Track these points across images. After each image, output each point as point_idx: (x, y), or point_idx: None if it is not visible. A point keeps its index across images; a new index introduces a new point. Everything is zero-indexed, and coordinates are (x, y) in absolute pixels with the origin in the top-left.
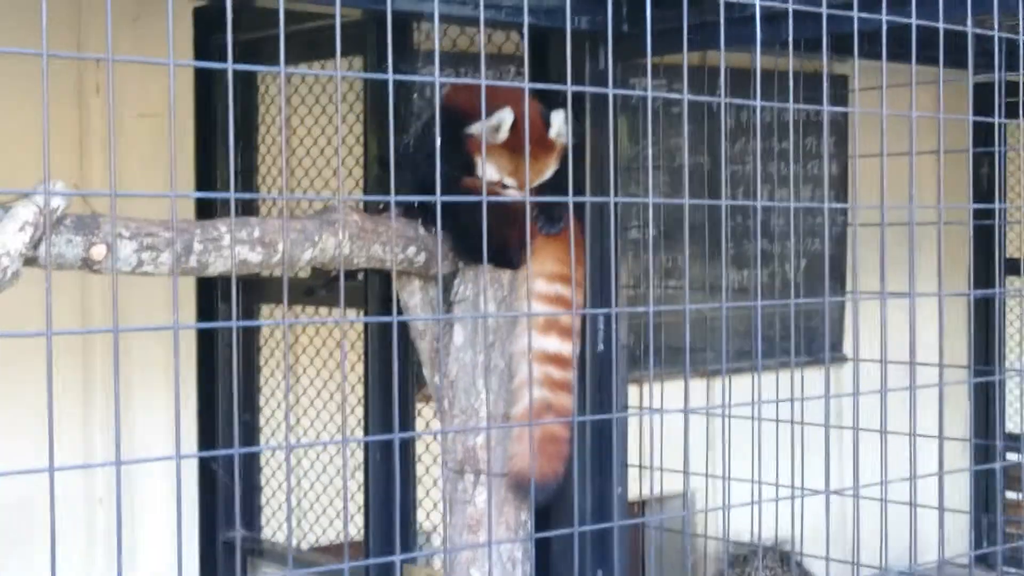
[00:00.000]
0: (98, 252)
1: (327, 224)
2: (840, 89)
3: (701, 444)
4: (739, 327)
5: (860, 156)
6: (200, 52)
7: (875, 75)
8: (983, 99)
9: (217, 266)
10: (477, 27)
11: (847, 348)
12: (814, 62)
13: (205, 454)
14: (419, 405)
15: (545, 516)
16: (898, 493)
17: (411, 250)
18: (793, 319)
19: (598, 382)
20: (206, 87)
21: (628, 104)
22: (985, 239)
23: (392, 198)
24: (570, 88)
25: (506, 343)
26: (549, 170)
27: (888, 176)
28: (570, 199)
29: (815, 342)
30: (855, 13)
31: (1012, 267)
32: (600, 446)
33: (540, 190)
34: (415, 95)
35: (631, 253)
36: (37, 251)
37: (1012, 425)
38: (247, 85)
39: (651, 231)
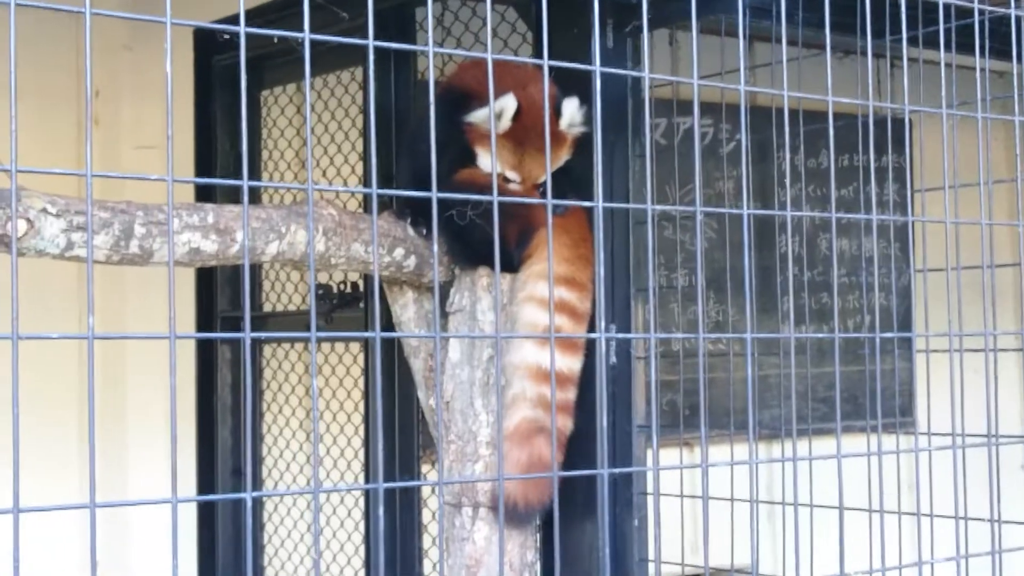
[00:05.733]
0: (16, 228)
1: (296, 215)
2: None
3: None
4: (797, 387)
5: (927, 190)
6: (201, 74)
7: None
8: None
9: (163, 254)
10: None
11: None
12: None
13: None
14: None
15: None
16: None
17: (399, 252)
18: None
19: (612, 401)
20: (206, 116)
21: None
22: None
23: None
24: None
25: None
26: (558, 163)
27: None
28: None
29: (882, 405)
30: None
31: None
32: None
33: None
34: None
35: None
36: None
37: None
38: (251, 110)
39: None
